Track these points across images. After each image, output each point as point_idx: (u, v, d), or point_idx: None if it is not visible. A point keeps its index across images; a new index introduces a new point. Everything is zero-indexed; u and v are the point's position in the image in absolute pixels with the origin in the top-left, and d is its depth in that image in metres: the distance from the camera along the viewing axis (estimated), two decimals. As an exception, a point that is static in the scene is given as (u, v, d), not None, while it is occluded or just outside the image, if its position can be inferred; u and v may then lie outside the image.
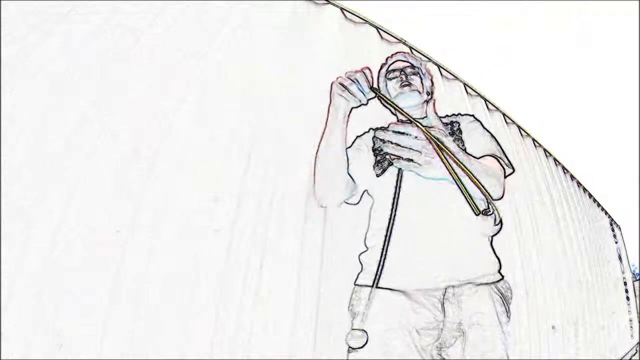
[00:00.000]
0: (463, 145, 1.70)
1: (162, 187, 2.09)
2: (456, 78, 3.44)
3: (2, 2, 1.86)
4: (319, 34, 2.78)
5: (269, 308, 2.20)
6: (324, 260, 2.40)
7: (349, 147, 1.83)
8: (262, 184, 2.34)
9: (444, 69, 3.39)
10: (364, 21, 3.02)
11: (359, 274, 1.68)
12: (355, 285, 1.67)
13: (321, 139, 1.76)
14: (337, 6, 2.90)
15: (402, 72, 1.85)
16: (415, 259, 1.57)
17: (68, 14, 2.03)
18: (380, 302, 1.59)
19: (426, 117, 1.83)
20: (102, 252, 1.90)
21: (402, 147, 1.73)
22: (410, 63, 1.91)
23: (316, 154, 1.76)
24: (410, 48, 3.25)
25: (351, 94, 1.67)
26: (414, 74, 1.86)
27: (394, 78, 1.85)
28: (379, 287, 1.61)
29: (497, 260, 1.61)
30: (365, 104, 1.69)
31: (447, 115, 1.82)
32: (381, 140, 1.78)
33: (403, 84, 1.85)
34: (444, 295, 1.53)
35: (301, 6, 2.75)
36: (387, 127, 1.79)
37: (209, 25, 2.41)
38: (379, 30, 3.09)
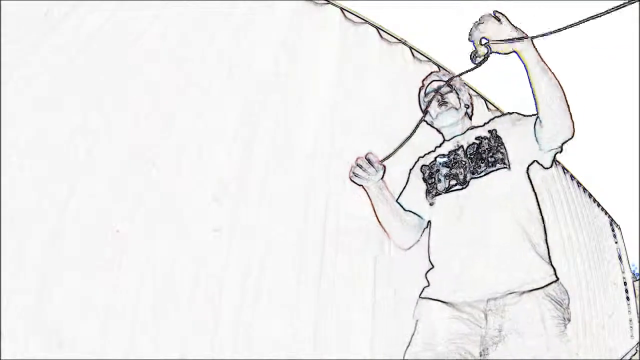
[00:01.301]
0: (504, 153, 1.74)
1: (161, 186, 2.09)
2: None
3: (2, 2, 1.86)
4: (319, 34, 2.78)
5: (269, 308, 2.20)
6: (325, 261, 2.40)
7: (411, 169, 1.95)
8: (262, 184, 2.34)
9: (444, 68, 3.39)
10: (364, 21, 3.02)
11: (425, 287, 1.78)
12: (420, 297, 1.77)
13: (375, 213, 1.89)
14: (337, 6, 2.90)
15: (438, 93, 1.90)
16: (461, 273, 1.67)
17: (68, 13, 2.03)
18: (431, 311, 1.71)
19: (468, 130, 1.88)
20: (101, 252, 1.90)
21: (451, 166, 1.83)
22: (444, 81, 1.96)
23: (378, 221, 1.90)
24: (410, 48, 3.25)
25: (367, 173, 1.78)
26: (449, 92, 1.90)
27: (431, 99, 1.91)
28: (431, 299, 1.72)
29: (544, 264, 1.65)
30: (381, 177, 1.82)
31: (485, 123, 1.87)
32: (429, 168, 1.88)
33: (440, 103, 1.89)
34: (486, 306, 1.62)
35: (301, 6, 2.75)
36: (434, 159, 1.88)
37: (209, 25, 2.41)
38: (379, 30, 3.09)
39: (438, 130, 1.93)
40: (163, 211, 2.07)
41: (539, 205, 1.74)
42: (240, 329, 2.11)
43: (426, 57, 3.33)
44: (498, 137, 1.76)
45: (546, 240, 1.70)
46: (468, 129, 1.88)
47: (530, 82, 1.68)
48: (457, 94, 1.90)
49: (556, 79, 1.66)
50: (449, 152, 1.84)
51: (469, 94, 1.98)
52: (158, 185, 2.08)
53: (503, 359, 1.53)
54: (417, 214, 1.87)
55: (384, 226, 1.89)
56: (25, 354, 1.69)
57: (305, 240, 2.37)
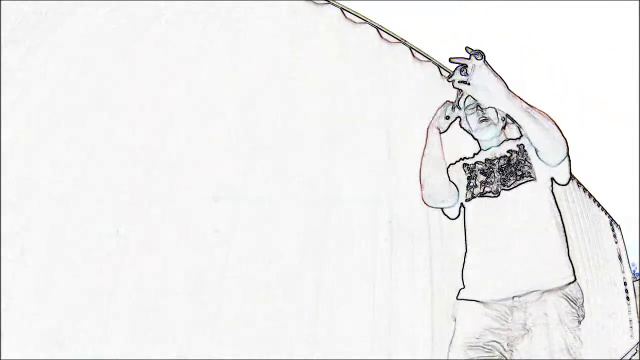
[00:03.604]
0: (531, 166, 1.90)
1: (162, 187, 2.09)
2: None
3: (2, 2, 1.86)
4: (319, 33, 2.78)
5: (269, 308, 2.19)
6: (326, 260, 2.40)
7: (452, 164, 2.09)
8: (262, 184, 2.34)
9: (444, 68, 3.39)
10: (364, 21, 3.02)
11: (460, 289, 1.94)
12: (457, 299, 1.94)
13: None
14: (337, 6, 2.90)
15: (478, 107, 2.01)
16: (494, 274, 1.84)
17: (67, 13, 2.03)
18: (465, 310, 1.89)
19: (505, 141, 2.02)
20: (101, 252, 1.90)
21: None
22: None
23: (421, 159, 2.06)
24: (410, 48, 3.25)
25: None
26: (489, 106, 2.01)
27: (472, 113, 2.03)
28: (464, 299, 1.90)
29: (565, 266, 1.80)
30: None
31: (517, 138, 2.01)
32: (470, 169, 2.02)
33: (480, 119, 2.01)
34: (512, 303, 1.79)
35: (301, 6, 2.75)
36: (474, 163, 2.05)
37: (209, 25, 2.41)
38: (379, 30, 3.09)
39: (474, 137, 2.06)
40: (163, 211, 2.07)
41: (559, 210, 1.90)
42: (241, 329, 2.11)
43: (426, 57, 3.32)
44: (525, 151, 1.92)
45: (567, 242, 1.84)
46: (503, 141, 2.02)
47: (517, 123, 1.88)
48: (495, 108, 1.98)
49: (536, 112, 1.82)
50: (486, 159, 2.00)
51: None
52: (158, 185, 2.08)
53: (532, 346, 1.71)
54: (456, 187, 2.01)
55: (430, 176, 2.00)
56: (25, 354, 1.69)
57: (305, 239, 2.37)
